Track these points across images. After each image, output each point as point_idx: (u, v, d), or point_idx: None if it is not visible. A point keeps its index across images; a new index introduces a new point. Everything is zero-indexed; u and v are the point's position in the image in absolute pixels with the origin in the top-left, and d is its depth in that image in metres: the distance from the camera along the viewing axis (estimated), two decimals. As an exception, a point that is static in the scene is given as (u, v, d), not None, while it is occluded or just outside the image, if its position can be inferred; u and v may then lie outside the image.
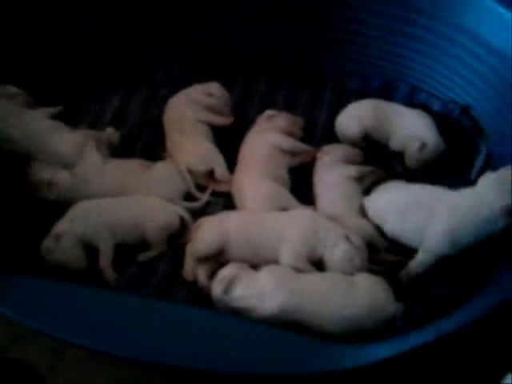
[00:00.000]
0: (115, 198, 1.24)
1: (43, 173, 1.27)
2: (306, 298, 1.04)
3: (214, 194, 1.31)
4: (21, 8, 1.40)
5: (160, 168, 1.30)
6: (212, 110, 1.40)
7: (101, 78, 1.53)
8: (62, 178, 1.26)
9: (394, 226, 1.15)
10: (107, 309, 0.97)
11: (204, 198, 1.28)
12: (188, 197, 1.29)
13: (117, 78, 1.53)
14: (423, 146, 1.30)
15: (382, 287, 1.06)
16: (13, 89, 1.35)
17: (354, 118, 1.38)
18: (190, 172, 1.30)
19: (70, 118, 1.40)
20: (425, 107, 1.42)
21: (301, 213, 1.19)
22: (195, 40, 1.55)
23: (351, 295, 1.04)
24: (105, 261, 1.17)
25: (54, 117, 1.36)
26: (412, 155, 1.32)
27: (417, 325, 0.94)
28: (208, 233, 1.16)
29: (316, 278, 1.08)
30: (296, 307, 1.03)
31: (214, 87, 1.43)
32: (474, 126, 1.36)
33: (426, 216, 1.11)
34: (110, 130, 1.38)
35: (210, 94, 1.41)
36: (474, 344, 0.97)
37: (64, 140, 1.31)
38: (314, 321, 1.03)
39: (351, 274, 1.09)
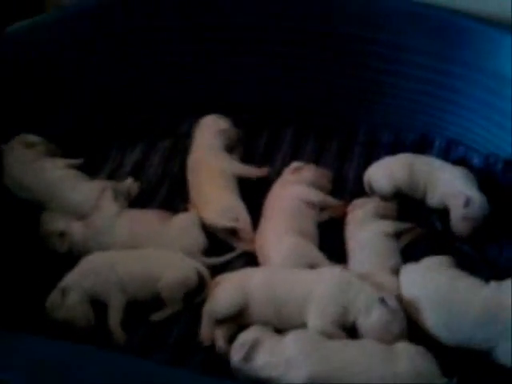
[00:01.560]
0: (129, 250, 1.15)
1: (56, 223, 1.20)
2: (338, 369, 0.91)
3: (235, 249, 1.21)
4: (44, 62, 1.39)
5: (180, 219, 1.22)
6: (231, 146, 1.36)
7: (122, 128, 1.50)
8: (75, 229, 1.19)
9: (431, 321, 1.01)
10: (114, 375, 0.85)
11: (227, 256, 1.19)
12: (207, 252, 1.20)
13: (138, 129, 1.50)
14: (468, 201, 1.19)
15: (426, 358, 0.93)
16: (32, 137, 1.32)
17: (385, 172, 1.30)
18: (213, 226, 1.21)
19: (90, 168, 1.36)
20: (464, 161, 1.33)
21: (330, 271, 1.08)
22: (218, 89, 1.52)
23: (391, 366, 0.91)
24: (114, 320, 1.07)
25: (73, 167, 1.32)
26: (457, 213, 1.20)
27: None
28: (228, 292, 1.06)
29: (349, 345, 0.96)
30: (326, 378, 0.90)
31: (221, 121, 1.38)
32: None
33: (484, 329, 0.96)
34: (129, 181, 1.32)
35: (222, 132, 1.36)
36: None
37: (81, 189, 1.25)
38: (348, 394, 0.89)
39: (389, 342, 0.96)
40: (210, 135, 1.36)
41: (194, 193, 1.29)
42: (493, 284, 1.02)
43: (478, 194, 1.21)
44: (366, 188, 1.31)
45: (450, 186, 1.24)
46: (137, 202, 1.32)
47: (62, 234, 1.18)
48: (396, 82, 1.41)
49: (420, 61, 1.37)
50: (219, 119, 1.39)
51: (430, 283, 1.03)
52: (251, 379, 0.94)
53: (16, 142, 1.29)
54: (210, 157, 1.32)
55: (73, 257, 1.16)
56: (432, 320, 1.00)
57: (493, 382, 0.91)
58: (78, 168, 1.32)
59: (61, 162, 1.30)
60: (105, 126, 1.49)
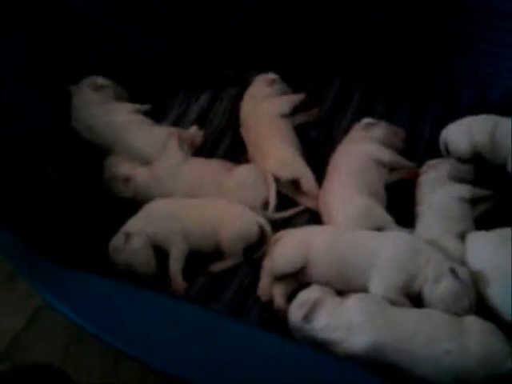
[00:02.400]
0: (193, 199, 1.14)
1: (121, 168, 1.20)
2: (401, 337, 0.87)
3: (298, 204, 1.18)
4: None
5: (243, 172, 1.19)
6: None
7: (189, 76, 1.46)
8: (140, 174, 1.18)
9: (498, 296, 0.94)
10: (171, 320, 0.85)
11: (290, 211, 1.16)
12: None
13: (205, 78, 1.46)
14: None
15: (498, 336, 0.87)
16: (101, 80, 1.30)
17: (465, 133, 1.21)
18: (275, 179, 1.17)
19: (155, 113, 1.34)
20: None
21: (398, 235, 1.03)
22: (288, 42, 1.45)
23: (459, 341, 0.86)
24: (175, 267, 1.07)
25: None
26: None
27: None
28: (289, 248, 1.03)
29: (415, 313, 0.92)
30: (389, 346, 0.87)
31: (270, 75, 1.33)
32: None
33: None
34: (193, 129, 1.30)
35: (271, 82, 1.31)
36: None
37: (146, 134, 1.24)
38: (410, 365, 0.86)
39: (457, 315, 0.91)
40: (258, 84, 1.32)
41: (251, 148, 1.25)
42: None
43: None
44: (442, 148, 1.23)
45: None
46: (201, 150, 1.30)
47: (126, 179, 1.18)
48: (481, 32, 1.27)
49: (509, 8, 1.23)
50: (266, 75, 1.34)
51: (502, 254, 0.96)
52: (309, 340, 0.92)
53: (84, 83, 1.28)
54: (259, 104, 1.27)
55: (136, 202, 1.17)
56: (499, 295, 0.94)
57: None
58: (145, 114, 1.30)
59: (128, 107, 1.29)
60: (171, 73, 1.45)
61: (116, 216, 1.15)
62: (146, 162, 1.21)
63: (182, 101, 1.42)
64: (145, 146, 1.22)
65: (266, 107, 1.28)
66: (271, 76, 1.33)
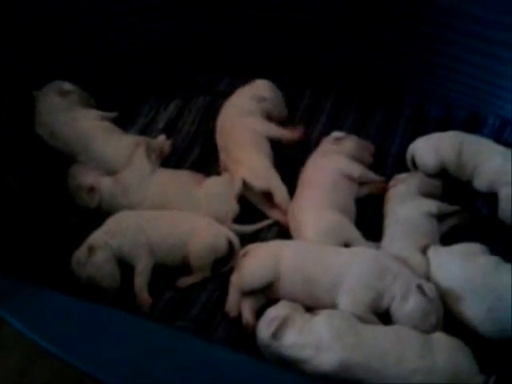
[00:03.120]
0: (159, 211, 1.11)
1: (85, 177, 1.16)
2: (370, 355, 0.87)
3: (267, 218, 1.17)
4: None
5: (212, 184, 1.17)
6: (268, 115, 1.27)
7: (157, 83, 1.44)
8: (105, 184, 1.15)
9: (467, 307, 0.95)
10: (135, 339, 0.82)
11: (259, 224, 1.14)
12: (238, 220, 1.15)
13: (174, 86, 1.44)
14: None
15: (465, 353, 0.88)
16: (67, 85, 1.26)
17: (432, 148, 1.22)
18: (245, 187, 1.16)
19: (122, 121, 1.31)
20: (517, 145, 1.24)
21: (366, 252, 1.02)
22: (261, 51, 1.44)
23: (426, 358, 0.86)
24: (140, 281, 1.04)
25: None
26: (505, 206, 1.12)
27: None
28: (257, 263, 1.02)
29: (382, 330, 0.91)
30: (358, 364, 0.86)
31: (263, 87, 1.29)
32: None
33: None
34: (161, 139, 1.28)
35: (261, 99, 1.27)
36: None
37: (113, 142, 1.20)
38: (378, 382, 0.85)
39: (425, 331, 0.92)
40: (246, 96, 1.29)
41: (224, 156, 1.23)
42: None
43: None
44: (408, 163, 1.24)
45: (501, 172, 1.15)
46: (169, 160, 1.28)
47: (91, 189, 1.14)
48: (450, 51, 1.29)
49: (478, 30, 1.25)
50: (261, 85, 1.31)
51: (470, 268, 0.97)
52: (278, 357, 0.90)
53: (49, 88, 1.24)
54: (242, 117, 1.24)
55: (102, 213, 1.13)
56: (472, 309, 0.94)
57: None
58: (112, 121, 1.27)
59: (94, 113, 1.26)
60: (140, 81, 1.43)
61: (80, 227, 1.12)
62: (111, 171, 1.18)
63: (150, 109, 1.39)
64: (110, 154, 1.19)
65: (250, 123, 1.24)
66: (263, 94, 1.28)
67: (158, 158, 1.23)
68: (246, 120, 1.24)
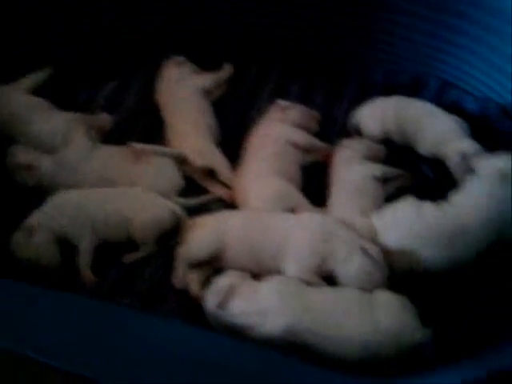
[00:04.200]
0: (100, 188, 1.08)
1: (23, 156, 1.12)
2: (316, 318, 0.87)
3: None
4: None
5: (155, 158, 1.14)
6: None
7: (97, 62, 1.39)
8: (43, 162, 1.11)
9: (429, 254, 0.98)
10: (79, 320, 0.80)
11: (204, 197, 1.13)
12: (183, 194, 1.13)
13: (114, 64, 1.39)
14: (464, 157, 1.12)
15: (405, 307, 0.89)
16: None
17: (375, 114, 1.22)
18: (186, 163, 1.14)
19: (61, 100, 1.26)
20: (457, 106, 1.26)
21: (310, 216, 1.02)
22: (203, 24, 1.41)
23: (370, 316, 0.87)
24: (83, 261, 1.01)
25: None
26: (455, 168, 1.14)
27: (450, 356, 0.77)
28: (203, 234, 1.01)
29: (328, 293, 0.92)
30: (304, 328, 0.87)
31: (180, 58, 1.31)
32: (515, 128, 1.20)
33: None
34: (102, 115, 1.24)
35: (180, 64, 1.29)
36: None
37: (50, 119, 1.16)
38: (324, 345, 0.86)
39: (369, 291, 0.93)
40: (173, 67, 1.30)
41: (168, 132, 1.21)
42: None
43: (471, 145, 1.14)
44: (353, 130, 1.24)
45: (442, 137, 1.17)
46: (111, 138, 1.24)
47: (28, 167, 1.10)
48: (389, 17, 1.30)
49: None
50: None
51: (416, 219, 0.99)
52: (226, 326, 0.90)
53: None
54: (180, 88, 1.24)
55: (41, 192, 1.09)
56: (428, 253, 0.97)
57: (472, 331, 0.88)
58: (50, 102, 1.22)
59: (25, 82, 1.20)
60: (74, 62, 1.37)
61: (21, 208, 1.08)
62: (49, 149, 1.14)
63: (89, 87, 1.35)
64: (47, 132, 1.15)
65: (181, 88, 1.24)
66: (178, 58, 1.30)
67: (99, 135, 1.20)
68: (179, 86, 1.22)
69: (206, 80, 1.26)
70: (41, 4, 1.30)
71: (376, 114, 1.22)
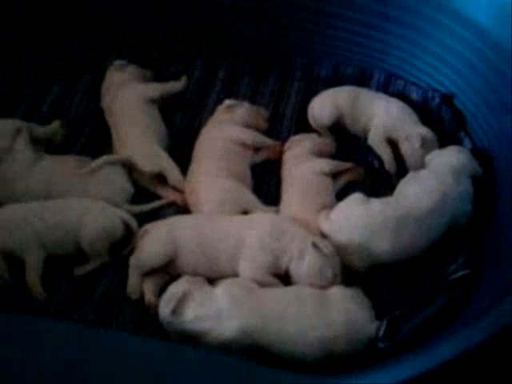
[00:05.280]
0: (45, 201, 1.05)
1: None
2: (270, 318, 0.88)
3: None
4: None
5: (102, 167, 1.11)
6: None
7: (37, 64, 1.34)
8: None
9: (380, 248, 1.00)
10: (28, 340, 0.78)
11: (155, 203, 1.11)
12: (133, 201, 1.11)
13: (57, 67, 1.35)
14: (424, 141, 1.14)
15: (358, 301, 0.91)
16: None
17: (329, 102, 1.24)
18: (135, 169, 1.12)
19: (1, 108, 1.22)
20: (402, 96, 1.28)
21: (261, 216, 1.03)
22: (146, 22, 1.38)
23: (323, 312, 0.88)
24: (32, 276, 0.99)
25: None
26: (411, 153, 1.15)
27: (404, 347, 0.79)
28: (155, 241, 0.99)
29: (280, 292, 0.92)
30: (258, 328, 0.87)
31: (120, 61, 1.28)
32: (456, 117, 1.22)
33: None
34: (55, 124, 1.20)
35: (121, 67, 1.26)
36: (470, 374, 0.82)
37: None
38: (280, 344, 0.87)
39: (323, 287, 0.94)
40: (111, 73, 1.27)
41: (115, 138, 1.18)
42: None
43: (428, 131, 1.16)
44: (311, 120, 1.25)
45: (397, 122, 1.18)
46: (56, 145, 1.21)
47: None
48: (333, 11, 1.31)
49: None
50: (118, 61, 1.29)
51: (365, 215, 1.01)
52: (181, 333, 0.90)
53: None
54: (121, 90, 1.21)
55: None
56: (380, 245, 0.98)
57: (422, 322, 0.91)
58: None
59: None
60: (17, 62, 1.33)
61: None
62: None
63: (31, 93, 1.30)
64: None
65: (127, 92, 1.21)
66: (119, 62, 1.27)
67: (44, 145, 1.16)
68: (121, 91, 1.21)
69: (154, 91, 1.23)
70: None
71: (330, 101, 1.24)
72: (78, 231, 1.01)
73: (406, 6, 1.25)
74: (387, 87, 1.31)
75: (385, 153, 1.19)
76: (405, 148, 1.17)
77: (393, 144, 1.19)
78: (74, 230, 1.01)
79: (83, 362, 0.73)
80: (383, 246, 0.99)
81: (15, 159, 1.09)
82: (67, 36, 1.35)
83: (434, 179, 1.06)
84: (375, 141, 1.21)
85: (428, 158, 1.11)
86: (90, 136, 1.25)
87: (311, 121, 1.25)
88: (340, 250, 0.98)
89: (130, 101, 1.20)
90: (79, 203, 1.05)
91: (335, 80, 1.34)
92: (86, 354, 0.75)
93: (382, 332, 0.87)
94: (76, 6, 1.34)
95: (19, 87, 1.31)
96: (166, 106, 1.27)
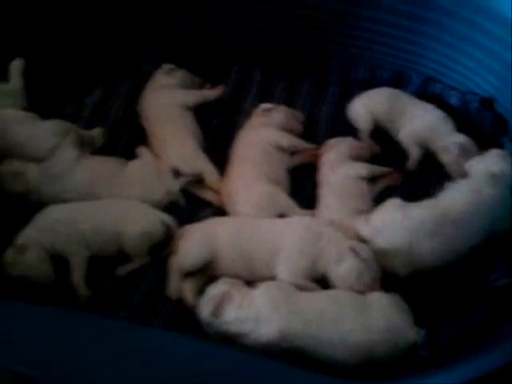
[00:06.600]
0: (89, 201, 1.08)
1: (12, 164, 1.12)
2: (309, 322, 0.88)
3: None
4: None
5: (135, 167, 1.14)
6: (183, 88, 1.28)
7: (81, 69, 1.38)
8: (30, 169, 1.11)
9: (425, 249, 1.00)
10: (74, 336, 0.81)
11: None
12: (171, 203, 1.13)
13: (99, 71, 1.38)
14: (462, 149, 1.14)
15: (398, 307, 0.91)
16: None
17: (365, 103, 1.25)
18: (176, 173, 1.14)
19: (48, 111, 1.25)
20: (440, 100, 1.27)
21: (299, 220, 1.03)
22: (185, 28, 1.41)
23: (362, 317, 0.88)
24: (77, 275, 1.02)
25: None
26: (454, 162, 1.15)
27: (445, 356, 0.79)
28: (193, 243, 1.01)
29: (320, 296, 0.93)
30: (297, 332, 0.88)
31: (169, 65, 1.30)
32: (497, 121, 1.21)
33: None
34: (96, 130, 1.23)
35: (169, 72, 1.28)
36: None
37: (39, 129, 1.16)
38: (319, 348, 0.88)
39: (361, 292, 0.94)
40: (159, 76, 1.29)
41: (152, 141, 1.21)
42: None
43: (466, 139, 1.16)
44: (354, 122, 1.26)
45: (435, 129, 1.19)
46: (97, 147, 1.24)
47: (16, 174, 1.10)
48: (370, 14, 1.31)
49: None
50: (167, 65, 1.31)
51: (407, 221, 1.00)
52: (221, 334, 0.91)
53: None
54: (161, 94, 1.24)
55: (30, 206, 1.09)
56: (424, 251, 0.98)
57: (464, 330, 0.90)
58: (37, 112, 1.21)
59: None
60: (63, 68, 1.37)
61: (10, 223, 1.07)
62: (39, 160, 1.13)
63: (74, 97, 1.34)
64: (37, 141, 1.14)
65: (165, 97, 1.24)
66: (168, 66, 1.30)
67: (89, 149, 1.19)
68: (162, 95, 1.23)
69: (190, 98, 1.25)
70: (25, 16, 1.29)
71: (366, 103, 1.25)
72: (121, 233, 1.03)
73: (444, 8, 1.23)
74: (425, 91, 1.30)
75: (413, 151, 1.19)
76: (444, 158, 1.17)
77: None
78: (117, 231, 1.04)
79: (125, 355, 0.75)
80: (423, 249, 0.99)
81: (61, 158, 1.13)
82: (110, 41, 1.39)
83: (472, 184, 1.05)
84: (406, 140, 1.21)
85: (468, 164, 1.10)
86: (129, 139, 1.27)
87: (355, 123, 1.26)
88: (380, 255, 0.98)
89: (164, 106, 1.22)
90: (122, 205, 1.07)
91: (371, 83, 1.34)
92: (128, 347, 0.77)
93: (422, 339, 0.87)
94: (120, 13, 1.37)
95: (63, 90, 1.35)
96: (202, 110, 1.29)
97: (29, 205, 1.10)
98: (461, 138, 1.17)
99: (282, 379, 0.76)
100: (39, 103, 1.27)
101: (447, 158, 1.16)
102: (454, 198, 1.04)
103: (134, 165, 1.14)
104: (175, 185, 1.13)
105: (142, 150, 1.19)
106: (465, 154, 1.14)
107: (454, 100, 1.27)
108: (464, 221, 1.01)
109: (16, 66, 1.26)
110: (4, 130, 1.15)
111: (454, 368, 0.71)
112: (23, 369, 0.76)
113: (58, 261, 1.03)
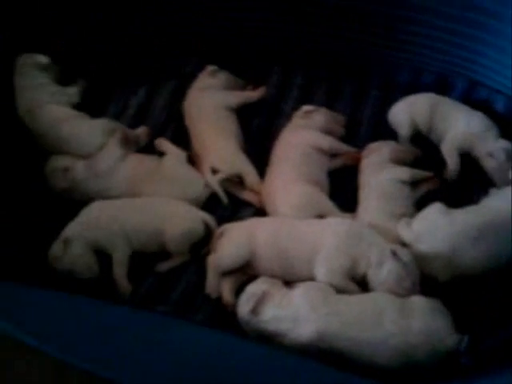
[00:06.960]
0: (133, 198, 1.11)
1: (59, 161, 1.16)
2: (347, 323, 0.88)
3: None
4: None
5: (170, 165, 1.16)
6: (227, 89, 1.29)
7: (126, 69, 1.42)
8: (78, 166, 1.15)
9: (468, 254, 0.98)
10: (117, 328, 0.83)
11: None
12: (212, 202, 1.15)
13: (142, 70, 1.42)
14: (509, 155, 1.12)
15: (439, 312, 0.89)
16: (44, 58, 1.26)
17: (406, 109, 1.23)
18: (215, 173, 1.16)
19: (93, 110, 1.29)
20: (486, 104, 1.25)
21: (339, 222, 1.03)
22: (225, 30, 1.42)
23: (402, 321, 0.87)
24: (119, 271, 1.04)
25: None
26: (499, 168, 1.13)
27: (485, 364, 0.77)
28: (233, 242, 1.02)
29: (358, 298, 0.93)
30: (335, 333, 0.88)
31: (212, 67, 1.31)
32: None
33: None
34: (141, 130, 1.26)
35: (213, 73, 1.30)
36: None
37: (84, 129, 1.19)
38: (357, 350, 0.87)
39: (401, 296, 0.93)
40: (203, 77, 1.31)
41: (194, 140, 1.23)
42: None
43: (508, 143, 1.14)
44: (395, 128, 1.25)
45: (478, 135, 1.17)
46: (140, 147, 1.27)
47: (65, 169, 1.14)
48: (413, 16, 1.29)
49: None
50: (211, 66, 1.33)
51: (450, 225, 0.99)
52: (259, 332, 0.92)
53: (27, 59, 1.24)
54: (205, 95, 1.25)
55: (75, 202, 1.13)
56: (468, 256, 0.97)
57: (505, 339, 0.88)
58: (84, 110, 1.26)
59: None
60: (109, 68, 1.41)
61: (55, 219, 1.11)
62: (83, 156, 1.17)
63: (119, 96, 1.38)
64: (82, 141, 1.18)
65: (209, 98, 1.26)
66: (211, 67, 1.31)
67: (134, 146, 1.22)
68: (204, 95, 1.24)
69: (232, 99, 1.26)
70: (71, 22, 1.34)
71: (407, 109, 1.23)
72: (162, 231, 1.05)
73: (490, 11, 1.21)
74: (470, 95, 1.28)
75: (453, 160, 1.17)
76: (489, 164, 1.15)
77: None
78: (159, 229, 1.06)
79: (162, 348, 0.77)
80: (466, 255, 0.97)
81: (107, 156, 1.16)
82: (155, 44, 1.41)
83: None
84: (447, 147, 1.19)
85: None
86: (172, 137, 1.29)
87: (395, 128, 1.25)
88: (421, 260, 0.97)
89: (207, 106, 1.24)
90: (165, 204, 1.09)
91: (415, 87, 1.32)
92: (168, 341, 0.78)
93: (463, 346, 0.85)
94: (161, 15, 1.40)
95: (108, 90, 1.38)
96: (243, 111, 1.30)
97: (74, 201, 1.14)
98: (506, 144, 1.14)
99: (318, 380, 0.76)
100: (85, 102, 1.31)
101: (492, 164, 1.14)
102: (499, 205, 1.02)
103: (169, 161, 1.16)
104: (212, 180, 1.14)
105: (162, 142, 1.21)
106: (510, 160, 1.12)
107: (499, 105, 1.24)
108: (508, 229, 0.99)
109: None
110: (53, 127, 1.20)
111: (495, 377, 0.69)
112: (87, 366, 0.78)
113: (101, 256, 1.06)
